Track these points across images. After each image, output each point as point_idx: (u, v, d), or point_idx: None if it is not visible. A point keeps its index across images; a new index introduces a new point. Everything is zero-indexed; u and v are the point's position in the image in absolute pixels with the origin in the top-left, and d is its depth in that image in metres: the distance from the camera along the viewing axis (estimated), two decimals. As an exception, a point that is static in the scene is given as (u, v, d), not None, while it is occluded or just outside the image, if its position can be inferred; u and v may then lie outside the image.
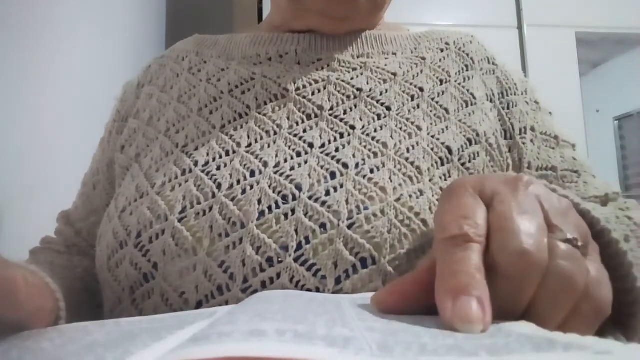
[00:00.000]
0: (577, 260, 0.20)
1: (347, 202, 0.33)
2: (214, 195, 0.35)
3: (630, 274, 0.25)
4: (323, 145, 0.38)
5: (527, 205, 0.21)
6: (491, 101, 0.45)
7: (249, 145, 0.39)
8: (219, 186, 0.35)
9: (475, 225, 0.20)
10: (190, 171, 0.37)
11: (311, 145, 0.38)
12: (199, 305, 0.32)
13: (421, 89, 0.43)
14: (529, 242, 0.19)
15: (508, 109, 0.45)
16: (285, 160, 0.37)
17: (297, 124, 0.40)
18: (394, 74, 0.44)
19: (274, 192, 0.34)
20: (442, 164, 0.38)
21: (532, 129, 0.45)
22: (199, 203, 0.35)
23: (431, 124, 0.41)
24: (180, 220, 0.34)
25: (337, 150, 0.37)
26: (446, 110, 0.42)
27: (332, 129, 0.39)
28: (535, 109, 0.47)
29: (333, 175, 0.35)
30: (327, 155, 0.37)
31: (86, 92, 0.96)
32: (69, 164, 0.78)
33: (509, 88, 0.47)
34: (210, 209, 0.34)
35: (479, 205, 0.22)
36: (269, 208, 0.33)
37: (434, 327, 0.18)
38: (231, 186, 0.35)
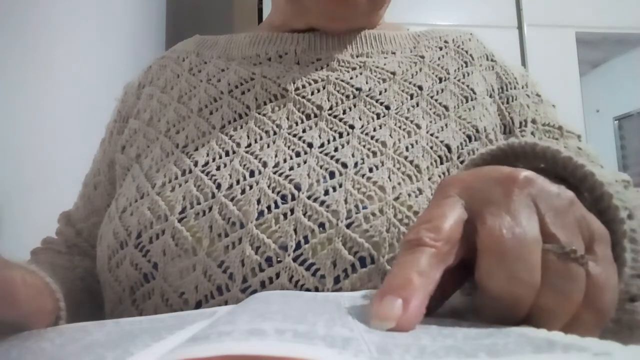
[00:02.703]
0: (573, 277, 0.19)
1: (346, 201, 0.33)
2: (213, 196, 0.35)
3: (617, 216, 0.23)
4: (322, 145, 0.38)
5: (521, 215, 0.19)
6: (491, 96, 0.45)
7: (249, 145, 0.39)
8: (218, 186, 0.35)
9: (433, 230, 0.20)
10: (190, 171, 0.38)
11: (310, 145, 0.38)
12: (198, 305, 0.32)
13: (420, 88, 0.43)
14: (518, 268, 0.18)
15: (507, 103, 0.45)
16: (285, 160, 0.37)
17: (297, 123, 0.40)
18: (393, 73, 0.44)
19: (273, 192, 0.34)
20: (442, 163, 0.38)
21: (533, 122, 0.44)
22: (198, 203, 0.35)
23: (430, 122, 0.41)
24: (180, 221, 0.34)
25: (336, 149, 0.37)
26: (445, 107, 0.42)
27: (331, 129, 0.39)
28: (536, 101, 0.46)
29: (332, 175, 0.35)
30: (326, 154, 0.37)
31: (86, 92, 0.96)
32: (69, 164, 0.78)
33: (509, 83, 0.46)
34: (210, 209, 0.34)
35: (453, 209, 0.21)
36: (268, 208, 0.33)
37: (433, 327, 0.18)
38: (231, 186, 0.35)
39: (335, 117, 0.40)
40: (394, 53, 0.46)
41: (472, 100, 0.43)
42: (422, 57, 0.46)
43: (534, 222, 0.20)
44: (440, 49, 0.48)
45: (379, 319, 0.17)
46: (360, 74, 0.44)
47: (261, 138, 0.39)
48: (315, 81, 0.43)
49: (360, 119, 0.40)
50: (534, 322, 0.19)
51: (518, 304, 0.19)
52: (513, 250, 0.19)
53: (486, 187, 0.21)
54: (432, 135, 0.40)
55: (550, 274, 0.19)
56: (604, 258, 0.21)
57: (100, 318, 0.28)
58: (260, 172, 0.36)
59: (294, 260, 0.32)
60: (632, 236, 0.23)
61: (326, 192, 0.34)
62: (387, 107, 0.41)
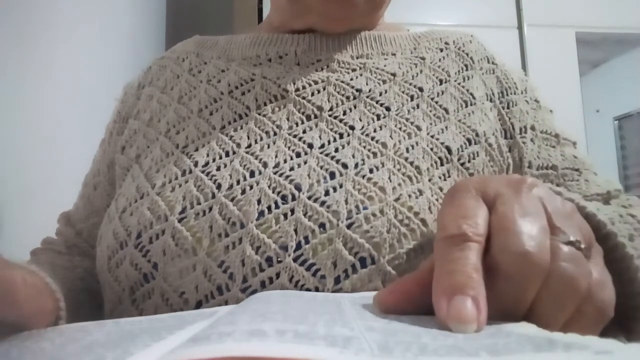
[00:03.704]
0: (579, 263, 0.20)
1: (346, 202, 0.33)
2: (213, 196, 0.35)
3: (636, 279, 0.25)
4: (322, 146, 0.38)
5: (530, 207, 0.21)
6: (491, 101, 0.45)
7: (249, 146, 0.39)
8: (218, 186, 0.35)
9: (474, 225, 0.20)
10: (190, 172, 0.38)
11: (311, 146, 0.38)
12: (198, 305, 0.32)
13: (420, 89, 0.43)
14: (531, 244, 0.19)
15: (508, 108, 0.45)
16: (285, 161, 0.37)
17: (297, 124, 0.40)
18: (393, 75, 0.44)
19: (273, 192, 0.34)
20: (442, 164, 0.38)
21: (532, 128, 0.45)
22: (198, 203, 0.35)
23: (430, 123, 0.41)
24: (180, 221, 0.34)
25: (336, 150, 0.37)
26: (445, 110, 0.42)
27: (331, 130, 0.39)
28: (535, 107, 0.47)
29: (332, 176, 0.35)
30: (327, 155, 0.37)
31: (86, 92, 0.96)
32: (69, 164, 0.78)
33: (509, 87, 0.47)
34: (210, 209, 0.34)
35: (480, 205, 0.22)
36: (269, 208, 0.33)
37: (434, 327, 0.18)
38: (231, 186, 0.35)
39: (335, 118, 0.40)
40: (394, 54, 0.46)
41: (471, 105, 0.43)
42: (423, 58, 0.46)
43: (541, 215, 0.21)
44: (441, 50, 0.48)
45: (459, 321, 0.17)
46: (361, 75, 0.44)
47: (261, 139, 0.39)
48: (316, 82, 0.43)
49: (360, 120, 0.40)
50: (540, 313, 0.19)
51: (527, 283, 0.19)
52: (526, 229, 0.20)
53: (498, 186, 0.23)
54: (432, 136, 0.40)
55: (559, 259, 0.20)
56: (601, 263, 0.22)
57: (100, 318, 0.28)
58: (260, 173, 0.36)
59: (295, 260, 0.32)
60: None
61: (326, 193, 0.34)
62: (388, 109, 0.41)
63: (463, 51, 0.48)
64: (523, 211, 0.20)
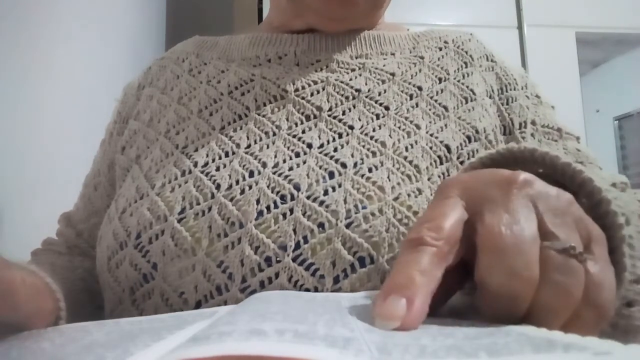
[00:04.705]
0: (572, 272, 0.19)
1: (345, 201, 0.33)
2: (213, 196, 0.35)
3: (621, 262, 0.23)
4: (322, 146, 0.38)
5: (519, 214, 0.20)
6: (490, 97, 0.45)
7: (248, 146, 0.39)
8: (218, 187, 0.35)
9: (435, 229, 0.20)
10: (190, 172, 0.38)
11: (310, 146, 0.38)
12: (198, 305, 0.32)
13: (420, 88, 0.43)
14: (517, 263, 0.18)
15: (507, 104, 0.45)
16: (284, 161, 0.37)
17: (296, 124, 0.40)
18: (393, 74, 0.44)
19: (272, 192, 0.34)
20: (441, 163, 0.38)
21: (533, 123, 0.44)
22: (198, 203, 0.35)
23: (430, 122, 0.41)
24: (179, 221, 0.34)
25: (335, 150, 0.37)
26: (445, 108, 0.42)
27: (330, 129, 0.39)
28: (536, 102, 0.47)
29: (331, 175, 0.35)
30: (326, 155, 0.37)
31: (86, 92, 0.96)
32: (69, 164, 0.78)
33: (509, 84, 0.46)
34: (209, 209, 0.34)
35: (453, 209, 0.21)
36: (268, 208, 0.33)
37: (434, 327, 0.18)
38: (230, 186, 0.35)
39: (334, 117, 0.40)
40: (393, 54, 0.46)
41: (471, 101, 0.43)
42: (422, 57, 0.46)
43: (532, 221, 0.20)
44: (440, 49, 0.48)
45: (384, 318, 0.17)
46: (360, 75, 0.44)
47: (261, 139, 0.39)
48: (315, 82, 0.43)
49: (359, 120, 0.40)
50: (535, 320, 0.19)
51: (517, 300, 0.19)
52: (511, 246, 0.19)
53: (486, 188, 0.21)
54: (431, 135, 0.40)
55: (550, 269, 0.19)
56: (602, 258, 0.21)
57: (100, 319, 0.28)
58: (259, 173, 0.36)
59: (294, 260, 0.32)
60: (630, 242, 0.23)
61: (325, 192, 0.34)
62: (387, 108, 0.41)
63: (462, 49, 0.48)
64: (511, 219, 0.19)
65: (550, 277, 0.19)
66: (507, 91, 0.46)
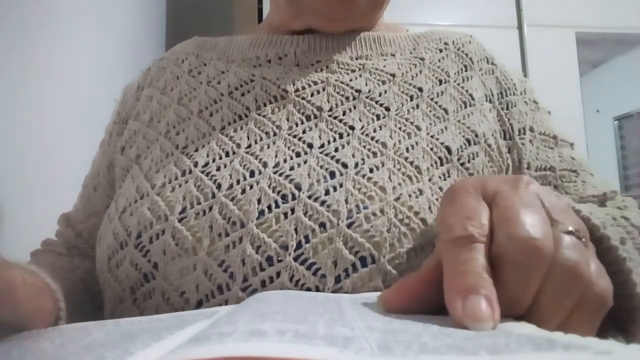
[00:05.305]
0: (580, 250, 0.21)
1: (346, 201, 0.33)
2: (213, 196, 0.35)
3: (630, 280, 0.25)
4: (322, 146, 0.38)
5: (529, 201, 0.22)
6: (490, 101, 0.45)
7: (249, 146, 0.39)
8: (218, 186, 0.35)
9: (479, 226, 0.21)
10: (190, 172, 0.38)
11: (310, 146, 0.38)
12: (199, 305, 0.32)
13: (420, 89, 0.43)
14: (535, 231, 0.20)
15: (507, 109, 0.45)
16: (285, 161, 0.37)
17: (297, 125, 0.40)
18: (393, 75, 0.44)
19: (273, 191, 0.34)
20: (442, 164, 0.38)
21: (531, 129, 0.45)
22: (198, 203, 0.35)
23: (430, 124, 0.41)
24: (180, 221, 0.34)
25: (336, 150, 0.38)
26: (445, 110, 0.42)
27: (331, 130, 0.39)
28: (534, 108, 0.47)
29: (332, 175, 0.35)
30: (327, 155, 0.37)
31: (86, 92, 0.96)
32: (69, 164, 0.78)
33: (508, 88, 0.47)
34: (210, 208, 0.34)
35: (481, 205, 0.22)
36: (269, 207, 0.33)
37: (435, 327, 0.18)
38: (231, 186, 0.35)
39: (335, 118, 0.40)
40: (393, 55, 0.46)
41: (470, 106, 0.43)
42: (422, 59, 0.46)
43: (541, 207, 0.22)
44: (440, 51, 0.48)
45: (475, 320, 0.18)
46: (360, 76, 0.44)
47: (261, 139, 0.39)
48: (315, 83, 0.43)
49: (360, 120, 0.40)
50: (546, 301, 0.19)
51: (533, 271, 0.19)
52: (528, 218, 0.20)
53: (497, 185, 0.24)
54: (432, 136, 0.40)
55: (561, 246, 0.20)
56: (596, 259, 0.22)
57: (100, 318, 0.28)
58: (260, 172, 0.36)
59: (295, 259, 0.32)
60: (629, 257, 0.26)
61: (327, 192, 0.34)
62: (387, 109, 0.41)
63: (462, 52, 0.48)
64: (523, 204, 0.21)
65: (562, 253, 0.20)
66: (507, 96, 0.46)
